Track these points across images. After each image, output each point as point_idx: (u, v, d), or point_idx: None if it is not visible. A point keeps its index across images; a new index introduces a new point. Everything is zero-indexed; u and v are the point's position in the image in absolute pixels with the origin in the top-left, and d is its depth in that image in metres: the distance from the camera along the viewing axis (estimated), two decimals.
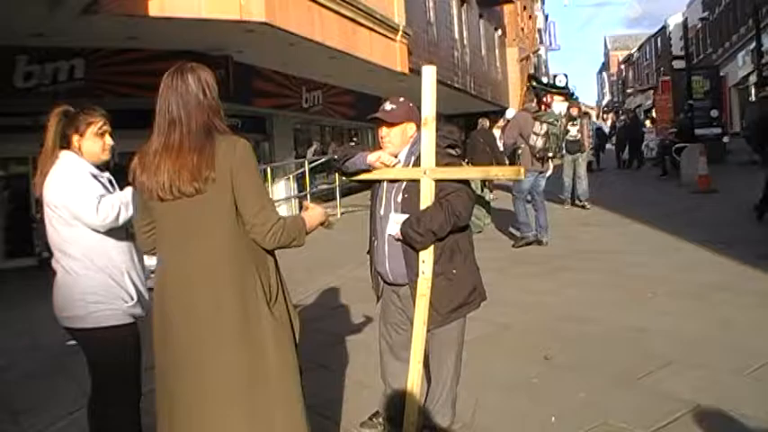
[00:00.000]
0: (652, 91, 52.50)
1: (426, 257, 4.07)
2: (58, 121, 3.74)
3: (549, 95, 51.05)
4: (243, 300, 2.96)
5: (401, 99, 4.28)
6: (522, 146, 11.20)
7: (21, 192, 14.79)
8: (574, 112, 15.32)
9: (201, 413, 2.98)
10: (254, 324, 2.97)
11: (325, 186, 21.20)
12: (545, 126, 11.06)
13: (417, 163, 4.11)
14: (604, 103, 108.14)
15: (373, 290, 4.52)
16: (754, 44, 27.51)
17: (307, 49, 16.04)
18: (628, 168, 26.39)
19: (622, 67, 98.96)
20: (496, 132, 20.87)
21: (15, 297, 10.56)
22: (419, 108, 4.20)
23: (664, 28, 66.74)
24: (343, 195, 18.17)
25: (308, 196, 17.36)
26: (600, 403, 4.86)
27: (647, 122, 32.90)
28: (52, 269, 3.75)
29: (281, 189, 19.13)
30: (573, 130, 14.96)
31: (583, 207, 15.25)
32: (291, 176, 19.42)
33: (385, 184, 4.25)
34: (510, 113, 19.70)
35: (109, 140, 3.85)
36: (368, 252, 4.44)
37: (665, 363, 5.50)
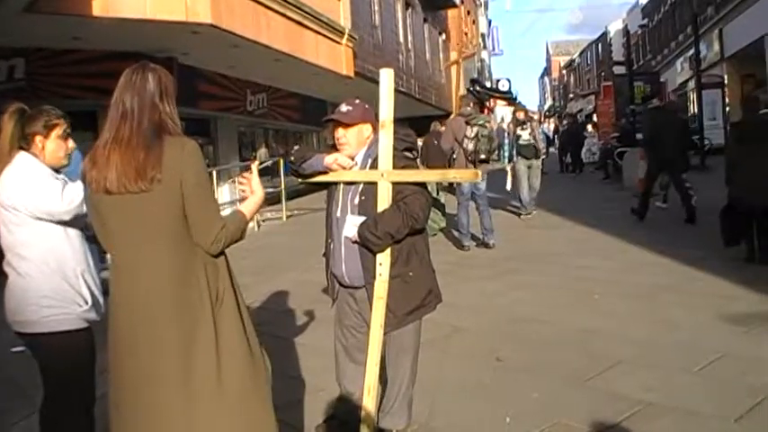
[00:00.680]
0: (593, 96, 53.29)
1: (383, 260, 4.07)
2: (15, 121, 3.64)
3: (492, 100, 51.46)
4: (187, 302, 2.93)
5: (357, 101, 4.27)
6: (458, 150, 11.26)
7: None
8: (520, 116, 14.87)
9: (148, 418, 2.94)
10: (201, 327, 2.93)
11: (270, 189, 21.05)
12: (475, 129, 11.12)
13: (374, 165, 4.10)
14: (546, 107, 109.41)
15: (328, 293, 4.49)
16: (692, 51, 28.07)
17: (252, 52, 15.98)
18: (572, 173, 26.77)
19: (564, 72, 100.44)
20: None
21: None
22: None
23: (604, 34, 67.84)
24: (288, 198, 18.08)
25: None
26: (553, 403, 4.92)
27: (589, 127, 33.38)
28: (3, 272, 3.66)
29: (225, 192, 18.98)
30: (525, 135, 14.41)
31: (528, 215, 14.51)
32: (236, 180, 19.22)
33: (341, 186, 4.23)
34: None
35: (71, 144, 3.78)
36: (323, 254, 4.42)
37: (615, 362, 5.59)
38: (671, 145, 12.72)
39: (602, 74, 61.88)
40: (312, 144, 27.76)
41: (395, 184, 4.05)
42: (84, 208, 3.42)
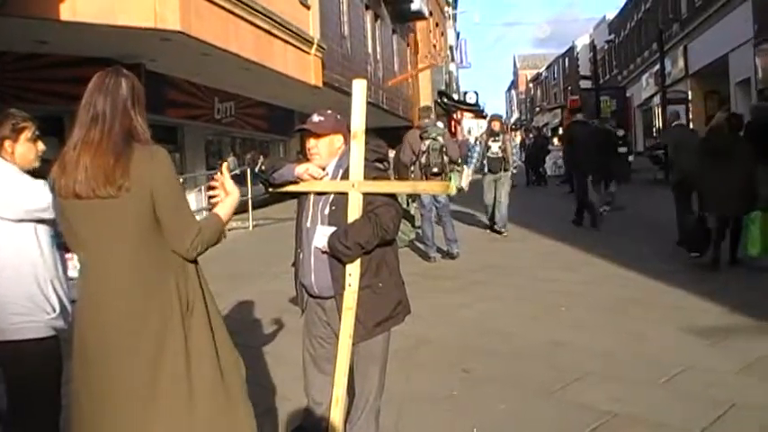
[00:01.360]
0: (560, 110, 53.77)
1: (353, 270, 4.06)
2: None
3: (459, 112, 51.68)
4: (156, 310, 2.90)
5: (329, 111, 4.27)
6: (417, 163, 11.26)
7: None
8: (495, 126, 13.91)
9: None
10: (171, 336, 2.91)
11: None
12: (427, 142, 11.13)
13: (345, 176, 4.10)
14: (513, 120, 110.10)
15: (297, 303, 4.48)
16: (657, 67, 28.44)
17: (221, 60, 15.91)
18: (539, 185, 26.97)
19: (531, 85, 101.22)
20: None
21: None
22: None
23: (572, 48, 68.55)
24: (255, 208, 18.00)
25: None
26: (520, 415, 4.95)
27: (555, 140, 33.62)
28: None
29: (191, 201, 18.76)
30: (494, 147, 13.50)
31: (498, 233, 13.80)
32: (203, 188, 19.15)
33: (312, 196, 4.22)
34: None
35: (41, 146, 3.74)
36: (293, 264, 4.40)
37: (582, 375, 5.63)
38: (591, 156, 14.42)
39: (569, 88, 62.53)
40: (279, 153, 27.68)
41: (365, 194, 4.05)
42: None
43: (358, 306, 4.06)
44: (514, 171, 14.42)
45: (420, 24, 42.79)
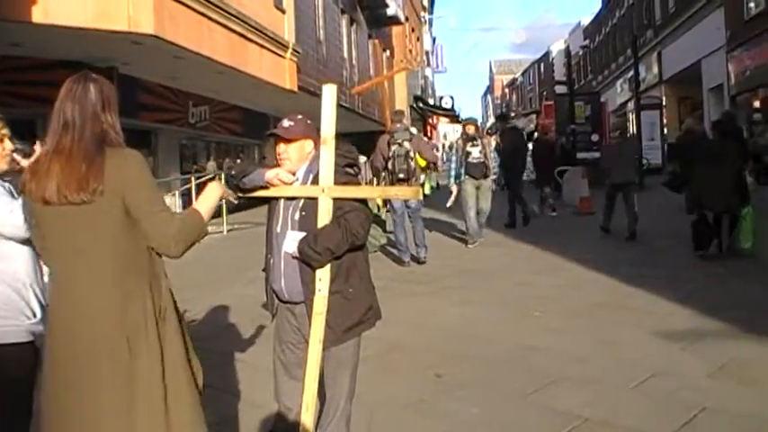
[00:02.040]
0: (535, 115, 53.96)
1: (323, 275, 4.04)
2: None
3: (435, 117, 51.73)
4: (131, 318, 2.87)
5: (299, 116, 4.26)
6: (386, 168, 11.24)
7: None
8: (470, 130, 13.24)
9: None
10: (146, 347, 2.88)
11: None
12: (393, 147, 11.06)
13: (316, 181, 4.09)
14: (488, 125, 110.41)
15: (268, 308, 4.45)
16: (632, 73, 28.65)
17: (195, 63, 15.84)
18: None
19: (506, 90, 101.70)
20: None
21: None
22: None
23: (547, 54, 68.99)
24: (229, 212, 17.92)
25: None
26: (493, 419, 4.95)
27: (530, 145, 33.68)
28: None
29: None
30: (475, 152, 12.77)
31: (468, 242, 13.06)
32: (177, 192, 19.08)
33: (282, 201, 4.20)
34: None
35: (9, 145, 3.67)
36: (263, 269, 4.38)
37: (555, 379, 5.65)
38: (522, 160, 16.50)
39: (544, 93, 62.89)
40: (254, 157, 27.59)
41: (335, 199, 4.04)
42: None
43: (328, 311, 4.04)
44: (495, 177, 14.33)
45: (396, 29, 42.89)
